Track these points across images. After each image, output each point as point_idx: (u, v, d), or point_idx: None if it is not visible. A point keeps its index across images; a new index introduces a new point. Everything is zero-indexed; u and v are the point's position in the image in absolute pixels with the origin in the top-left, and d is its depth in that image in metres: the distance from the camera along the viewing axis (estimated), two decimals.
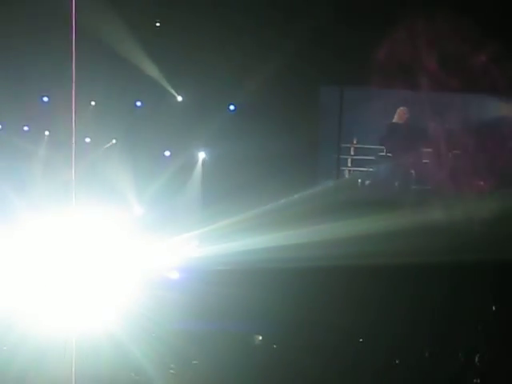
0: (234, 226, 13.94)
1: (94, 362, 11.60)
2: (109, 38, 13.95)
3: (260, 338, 13.60)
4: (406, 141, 14.78)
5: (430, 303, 13.22)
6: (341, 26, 13.80)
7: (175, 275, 14.54)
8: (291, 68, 14.30)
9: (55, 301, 12.93)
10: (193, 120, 15.00)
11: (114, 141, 15.38)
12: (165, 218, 14.74)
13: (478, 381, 12.17)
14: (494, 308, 13.56)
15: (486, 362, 12.38)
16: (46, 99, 15.26)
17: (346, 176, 15.37)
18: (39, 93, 15.13)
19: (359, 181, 15.27)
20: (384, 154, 15.06)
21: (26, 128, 15.36)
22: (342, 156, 15.24)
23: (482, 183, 14.37)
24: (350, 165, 15.31)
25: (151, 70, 14.67)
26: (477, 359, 12.45)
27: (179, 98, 15.27)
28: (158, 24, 14.92)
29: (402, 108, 14.88)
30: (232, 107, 15.15)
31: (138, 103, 15.38)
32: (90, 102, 15.02)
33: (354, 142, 15.23)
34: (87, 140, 15.17)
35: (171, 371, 12.50)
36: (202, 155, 15.46)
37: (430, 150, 14.74)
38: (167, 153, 15.39)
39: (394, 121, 14.96)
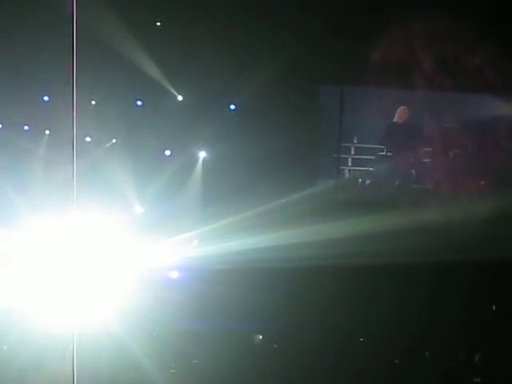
0: (234, 225, 13.94)
1: (94, 362, 11.61)
2: (109, 37, 13.95)
3: (260, 337, 13.61)
4: (406, 140, 14.79)
5: (431, 303, 13.22)
6: (341, 26, 13.79)
7: (175, 274, 14.55)
8: (291, 67, 14.30)
9: (55, 300, 12.94)
10: (193, 119, 15.01)
11: (114, 140, 15.39)
12: (165, 218, 14.74)
13: (479, 380, 12.18)
14: (494, 307, 13.57)
15: (486, 362, 12.39)
16: (46, 98, 15.26)
17: (347, 175, 15.37)
18: (39, 92, 15.13)
19: (359, 180, 15.28)
20: (384, 153, 15.06)
21: (26, 127, 15.37)
22: (342, 155, 15.24)
23: (482, 182, 14.38)
24: (350, 164, 15.32)
25: (152, 69, 14.67)
26: (477, 359, 12.46)
27: (180, 98, 15.27)
28: (158, 23, 14.92)
29: (402, 107, 14.88)
30: (232, 107, 15.16)
31: (139, 102, 15.38)
32: (91, 101, 15.02)
33: (355, 141, 15.24)
34: (88, 139, 15.17)
35: (172, 370, 12.51)
36: (202, 154, 15.46)
37: (430, 149, 14.75)
38: (168, 152, 15.39)
39: (395, 120, 14.96)
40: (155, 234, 14.48)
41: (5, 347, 12.51)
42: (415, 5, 13.14)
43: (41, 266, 13.71)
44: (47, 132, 15.30)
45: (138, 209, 15.20)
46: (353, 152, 15.27)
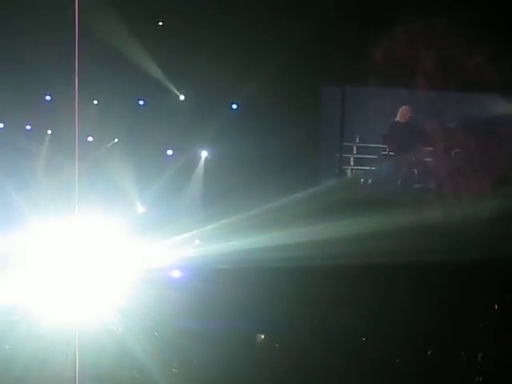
0: (236, 224, 13.93)
1: (96, 361, 11.61)
2: (111, 36, 13.95)
3: (262, 336, 13.60)
4: (409, 139, 14.78)
5: (433, 302, 13.21)
6: (342, 26, 13.78)
7: (177, 274, 14.54)
8: (293, 67, 14.30)
9: (57, 299, 12.94)
10: (195, 119, 15.00)
11: (115, 140, 15.40)
12: (167, 217, 14.74)
13: (481, 379, 12.17)
14: (496, 306, 13.55)
15: (488, 361, 12.38)
16: (48, 98, 15.27)
17: (349, 175, 15.37)
18: (42, 92, 15.14)
19: (362, 180, 15.27)
20: (386, 152, 15.05)
21: (28, 127, 15.38)
22: (344, 155, 15.24)
23: (484, 182, 14.36)
24: (352, 163, 15.31)
25: (154, 68, 14.67)
26: (479, 358, 12.45)
27: (182, 97, 15.28)
28: (160, 23, 14.92)
29: (404, 107, 14.86)
30: (234, 106, 15.16)
31: (141, 102, 15.38)
32: (93, 100, 15.03)
33: (357, 140, 15.23)
34: (90, 139, 15.18)
35: (174, 370, 12.51)
36: (204, 154, 15.47)
37: (432, 148, 14.73)
38: (169, 151, 15.39)
39: (397, 120, 14.94)
40: (157, 233, 14.47)
41: (7, 347, 12.50)
42: (416, 3, 13.14)
43: (43, 266, 13.71)
44: (49, 131, 15.31)
45: (140, 208, 15.21)
46: (355, 151, 15.26)
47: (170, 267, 14.49)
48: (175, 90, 15.16)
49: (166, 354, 12.54)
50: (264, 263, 13.45)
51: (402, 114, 14.91)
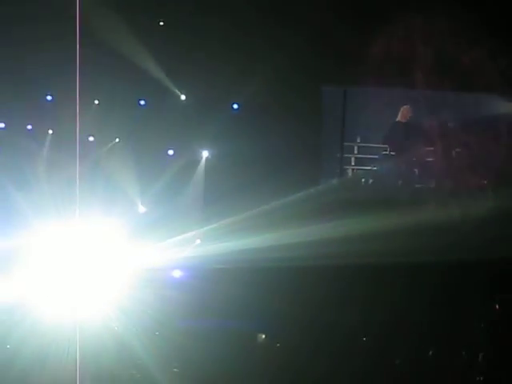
0: (237, 224, 13.93)
1: (96, 361, 11.62)
2: (112, 37, 13.96)
3: (263, 336, 13.61)
4: (410, 139, 14.77)
5: (434, 302, 13.21)
6: (343, 26, 13.78)
7: (178, 274, 14.55)
8: (294, 68, 14.30)
9: (58, 299, 12.95)
10: (196, 119, 15.02)
11: (117, 140, 15.40)
12: (168, 217, 14.74)
13: (481, 379, 12.17)
14: (497, 306, 13.55)
15: (489, 361, 12.38)
16: (49, 98, 15.28)
17: (350, 175, 15.37)
18: (43, 91, 15.15)
19: (363, 180, 15.27)
20: (387, 152, 15.05)
21: (29, 127, 15.38)
22: (345, 155, 15.25)
23: (485, 182, 14.36)
24: (353, 164, 15.31)
25: (155, 69, 14.67)
26: (480, 357, 12.45)
27: (183, 97, 15.28)
28: (161, 23, 14.93)
29: (405, 107, 14.86)
30: (235, 106, 15.17)
31: (142, 102, 15.39)
32: (94, 100, 15.04)
33: (358, 140, 15.24)
34: (91, 139, 15.18)
35: (175, 370, 12.51)
36: (205, 154, 15.47)
37: (433, 148, 14.73)
38: (170, 151, 15.41)
39: (398, 119, 14.94)
40: (158, 232, 14.48)
41: (8, 346, 12.51)
42: (416, 3, 13.14)
43: (44, 266, 13.71)
44: (50, 131, 15.31)
45: (141, 208, 15.21)
46: (356, 151, 15.27)
47: (170, 267, 14.49)
48: (176, 90, 15.17)
49: (166, 353, 12.54)
50: (264, 263, 13.45)
51: (402, 113, 14.90)
